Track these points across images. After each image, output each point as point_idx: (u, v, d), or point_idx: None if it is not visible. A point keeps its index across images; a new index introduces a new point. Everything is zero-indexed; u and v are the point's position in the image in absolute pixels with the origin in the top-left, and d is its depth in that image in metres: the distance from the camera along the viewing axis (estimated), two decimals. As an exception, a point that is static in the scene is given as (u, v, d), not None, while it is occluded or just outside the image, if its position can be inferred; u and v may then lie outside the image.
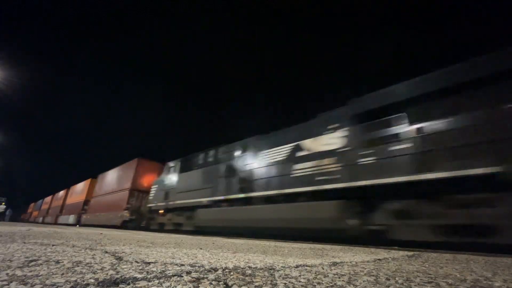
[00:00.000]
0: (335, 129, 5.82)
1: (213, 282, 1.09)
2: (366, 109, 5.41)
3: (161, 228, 10.41)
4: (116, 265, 1.41)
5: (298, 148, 6.44)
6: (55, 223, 23.76)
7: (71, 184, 24.63)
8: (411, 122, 4.71)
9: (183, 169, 10.38)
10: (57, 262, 1.44)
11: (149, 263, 1.52)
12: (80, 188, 21.48)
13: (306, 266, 1.69)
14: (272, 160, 6.97)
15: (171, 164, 11.37)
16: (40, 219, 31.07)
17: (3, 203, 30.50)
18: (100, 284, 0.98)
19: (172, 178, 10.83)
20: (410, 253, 3.02)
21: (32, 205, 43.07)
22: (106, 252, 2.00)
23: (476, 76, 4.19)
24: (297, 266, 1.65)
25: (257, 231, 6.75)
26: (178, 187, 10.11)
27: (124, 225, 12.78)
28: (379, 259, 2.28)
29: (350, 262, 2.02)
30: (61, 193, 26.41)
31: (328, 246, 3.91)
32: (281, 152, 6.84)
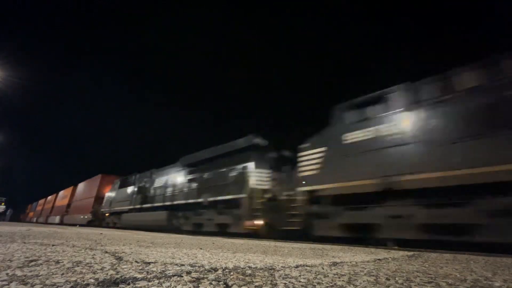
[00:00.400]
0: (178, 172, 10.68)
1: (213, 282, 1.09)
2: (186, 164, 10.32)
3: (107, 226, 15.19)
4: (116, 265, 1.41)
5: (166, 180, 11.29)
6: (46, 222, 27.69)
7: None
8: (199, 172, 9.46)
9: (120, 186, 15.09)
10: (57, 262, 1.44)
11: (149, 263, 1.52)
12: (65, 193, 26.20)
13: (306, 266, 1.69)
14: (155, 185, 12.03)
15: (116, 181, 16.15)
16: (35, 219, 34.77)
17: (3, 203, 30.80)
18: (100, 284, 0.98)
19: (115, 191, 15.54)
20: (410, 253, 3.02)
21: (30, 206, 44.52)
22: (106, 252, 2.00)
23: (224, 152, 8.68)
24: (297, 266, 1.65)
25: (146, 227, 11.25)
26: (116, 198, 15.04)
27: (89, 224, 17.07)
28: (379, 259, 2.28)
29: (350, 262, 2.02)
30: (51, 197, 30.96)
31: (328, 246, 3.91)
32: (159, 181, 11.83)
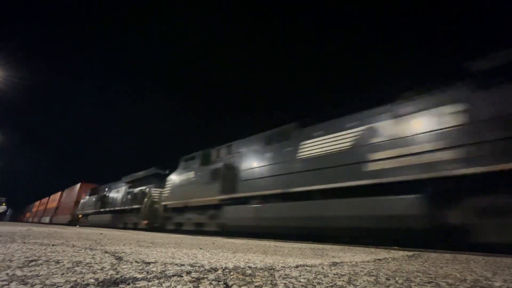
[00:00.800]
0: (121, 186, 15.85)
1: (213, 282, 1.09)
2: (124, 181, 15.77)
3: (79, 225, 19.27)
4: (116, 265, 1.41)
5: (114, 192, 16.33)
6: (39, 222, 31.59)
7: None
8: (129, 188, 14.79)
9: (90, 194, 20.07)
10: (57, 262, 1.44)
11: (149, 263, 1.52)
12: (54, 197, 30.63)
13: (306, 266, 1.69)
14: (109, 195, 16.87)
15: (88, 190, 21.04)
16: (30, 219, 38.57)
17: (4, 204, 31.44)
18: (100, 284, 0.98)
19: (86, 198, 20.46)
20: (410, 253, 3.02)
21: (28, 207, 46.12)
22: (106, 252, 2.00)
23: (141, 176, 14.21)
24: (297, 266, 1.65)
25: (102, 225, 15.47)
26: (87, 203, 19.90)
27: (69, 224, 21.11)
28: (379, 259, 2.28)
29: (350, 262, 2.02)
30: (45, 199, 35.23)
31: (328, 246, 3.91)
32: (112, 192, 16.73)
